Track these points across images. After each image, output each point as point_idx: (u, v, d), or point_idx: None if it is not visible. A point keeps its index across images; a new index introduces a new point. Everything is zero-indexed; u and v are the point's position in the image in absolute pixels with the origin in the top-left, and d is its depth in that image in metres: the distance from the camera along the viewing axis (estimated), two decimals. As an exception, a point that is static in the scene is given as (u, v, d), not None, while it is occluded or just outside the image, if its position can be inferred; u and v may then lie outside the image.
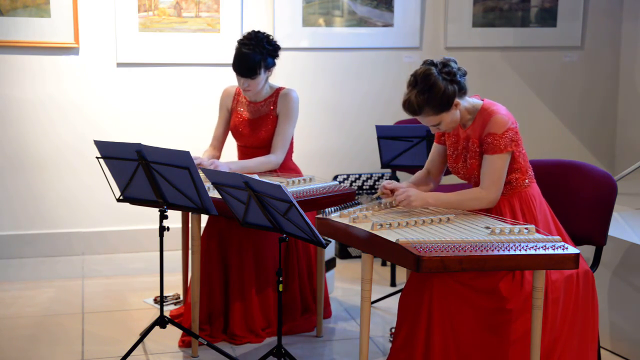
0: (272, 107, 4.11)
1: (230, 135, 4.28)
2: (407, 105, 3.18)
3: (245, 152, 4.21)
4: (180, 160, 3.37)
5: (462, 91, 3.18)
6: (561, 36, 5.96)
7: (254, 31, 4.04)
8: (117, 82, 5.33)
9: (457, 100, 3.15)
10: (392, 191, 3.31)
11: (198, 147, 4.69)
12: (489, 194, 3.16)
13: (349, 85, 5.69)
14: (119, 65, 5.31)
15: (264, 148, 4.14)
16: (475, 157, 3.22)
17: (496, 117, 3.15)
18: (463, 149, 3.29)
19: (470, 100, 3.24)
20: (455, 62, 3.19)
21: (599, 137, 6.18)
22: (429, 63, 3.17)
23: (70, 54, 5.23)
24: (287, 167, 4.17)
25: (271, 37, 4.05)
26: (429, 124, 3.22)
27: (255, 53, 3.95)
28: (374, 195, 3.42)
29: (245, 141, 4.17)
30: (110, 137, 4.98)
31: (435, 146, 3.46)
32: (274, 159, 4.08)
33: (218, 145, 4.29)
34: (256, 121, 4.13)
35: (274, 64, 4.06)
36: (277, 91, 4.14)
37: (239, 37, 4.20)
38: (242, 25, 5.39)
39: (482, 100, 3.26)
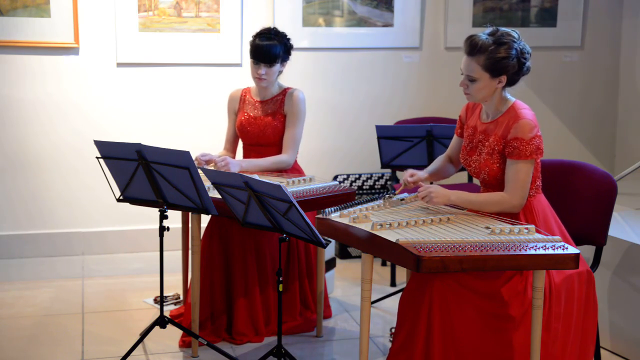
0: (279, 106, 4.14)
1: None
2: (470, 41, 3.14)
3: (251, 150, 4.22)
4: (180, 160, 3.37)
5: (515, 76, 3.17)
6: (561, 36, 5.96)
7: (270, 27, 4.16)
8: (117, 82, 5.33)
9: (505, 77, 3.14)
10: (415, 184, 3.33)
11: (198, 147, 4.69)
12: (513, 199, 3.12)
13: (349, 85, 5.69)
14: (119, 65, 5.31)
15: (270, 146, 4.16)
16: (491, 154, 3.18)
17: (524, 121, 3.11)
18: (478, 142, 3.26)
19: (506, 94, 3.23)
20: (530, 56, 3.19)
21: (599, 137, 6.18)
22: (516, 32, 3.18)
23: (70, 54, 5.23)
24: (291, 168, 4.18)
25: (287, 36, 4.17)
26: (467, 72, 3.16)
27: (277, 43, 4.06)
28: (396, 192, 3.42)
29: (252, 139, 4.19)
30: (110, 137, 4.98)
31: (454, 139, 3.47)
32: (285, 158, 4.12)
33: (231, 147, 4.35)
34: (263, 119, 4.15)
35: (287, 60, 4.15)
36: (284, 91, 4.18)
37: (239, 37, 4.22)
38: (242, 25, 5.39)
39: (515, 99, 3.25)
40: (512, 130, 3.12)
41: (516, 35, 3.16)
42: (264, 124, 4.15)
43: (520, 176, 3.12)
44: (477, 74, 3.14)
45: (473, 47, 3.13)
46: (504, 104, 3.22)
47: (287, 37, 4.14)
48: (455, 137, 3.47)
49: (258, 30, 4.15)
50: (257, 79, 4.10)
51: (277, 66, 4.08)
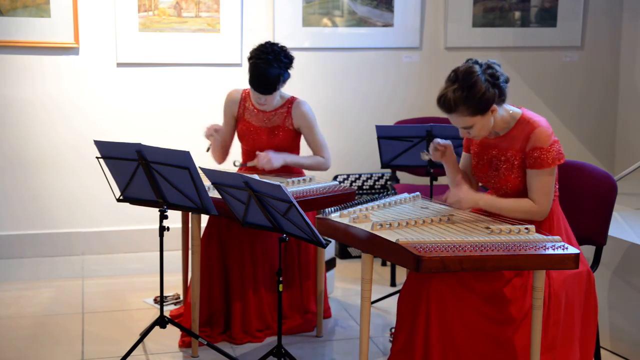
0: (285, 117, 4.09)
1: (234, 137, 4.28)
2: (443, 102, 3.04)
3: (251, 156, 4.17)
4: (180, 160, 3.37)
5: (501, 97, 3.07)
6: (561, 36, 5.96)
7: (269, 43, 3.96)
8: (117, 82, 5.33)
9: (495, 106, 3.05)
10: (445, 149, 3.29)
11: (198, 147, 4.68)
12: (541, 208, 3.10)
13: (349, 85, 5.69)
14: (119, 65, 5.31)
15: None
16: (512, 170, 3.13)
17: (540, 129, 3.06)
18: (492, 158, 3.19)
19: (508, 108, 3.14)
20: (499, 66, 3.08)
21: (599, 137, 6.18)
22: (473, 62, 3.06)
23: (70, 54, 5.23)
24: (290, 168, 4.17)
25: (287, 50, 3.98)
26: (460, 125, 3.10)
27: (274, 68, 3.88)
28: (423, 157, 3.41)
29: (255, 148, 4.11)
30: (110, 137, 4.97)
31: (464, 155, 3.39)
32: (324, 160, 4.14)
33: (225, 146, 4.30)
34: (270, 130, 4.10)
35: (289, 76, 4.02)
36: (288, 101, 4.10)
37: (239, 37, 4.19)
38: (242, 25, 5.39)
39: (520, 108, 3.17)
40: (530, 142, 3.08)
41: (476, 67, 3.04)
42: (272, 135, 4.09)
43: (545, 186, 3.08)
44: (469, 122, 3.07)
45: (449, 106, 3.04)
46: (512, 118, 3.14)
47: (286, 53, 3.95)
48: (463, 156, 3.40)
49: (256, 46, 3.97)
50: (258, 104, 4.03)
51: (278, 91, 3.98)
